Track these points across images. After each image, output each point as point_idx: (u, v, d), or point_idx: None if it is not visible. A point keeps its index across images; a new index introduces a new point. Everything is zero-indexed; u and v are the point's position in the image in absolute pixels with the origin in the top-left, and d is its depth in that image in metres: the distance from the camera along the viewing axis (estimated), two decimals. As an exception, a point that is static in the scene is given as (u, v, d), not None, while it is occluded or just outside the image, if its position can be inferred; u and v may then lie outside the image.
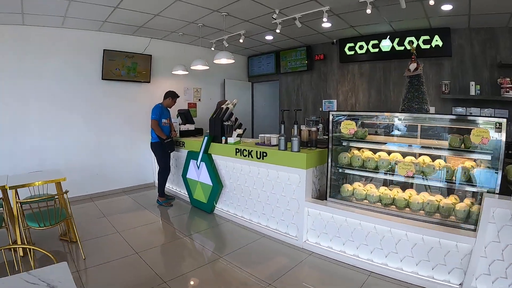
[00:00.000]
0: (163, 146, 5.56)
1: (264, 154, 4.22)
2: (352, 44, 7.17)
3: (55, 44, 5.86)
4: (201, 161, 5.12)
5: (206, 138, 5.00)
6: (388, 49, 6.65)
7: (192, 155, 5.44)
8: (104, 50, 6.40)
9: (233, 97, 8.15)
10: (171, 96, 5.74)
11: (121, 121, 6.83)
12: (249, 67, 9.44)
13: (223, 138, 4.83)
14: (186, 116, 6.61)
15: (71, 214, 3.67)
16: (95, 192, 6.49)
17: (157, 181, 5.93)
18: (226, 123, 4.79)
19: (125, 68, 6.66)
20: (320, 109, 8.00)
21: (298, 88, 8.47)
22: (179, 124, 6.39)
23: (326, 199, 3.80)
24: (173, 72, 6.88)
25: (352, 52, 7.21)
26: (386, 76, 6.92)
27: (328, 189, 3.78)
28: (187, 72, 6.84)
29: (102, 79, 6.46)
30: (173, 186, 6.64)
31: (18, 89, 5.52)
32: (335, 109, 7.64)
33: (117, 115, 6.78)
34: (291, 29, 6.08)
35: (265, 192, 4.31)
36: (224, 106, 5.01)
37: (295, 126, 4.04)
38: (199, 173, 5.26)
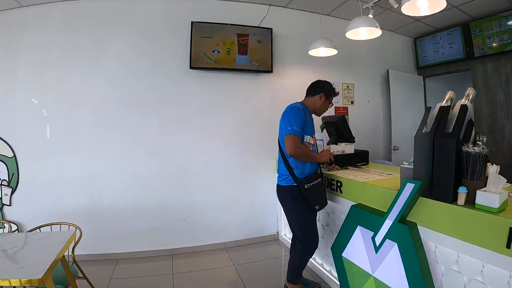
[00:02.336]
0: (303, 196, 2.80)
1: None
2: None
3: (118, 21, 4.11)
4: (387, 237, 2.21)
5: (408, 186, 2.07)
6: None
7: (362, 217, 2.52)
8: (192, 22, 4.18)
9: (401, 98, 5.71)
10: (325, 91, 2.99)
11: (224, 136, 4.48)
12: (417, 52, 6.28)
13: (461, 191, 1.87)
14: (339, 128, 3.85)
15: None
16: (180, 247, 4.27)
17: (290, 258, 3.13)
18: (468, 148, 1.91)
19: (227, 49, 4.32)
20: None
21: (508, 81, 5.12)
22: (328, 144, 3.78)
23: None
24: (311, 52, 4.04)
25: None
26: None
27: None
28: (336, 51, 3.97)
29: (191, 67, 4.22)
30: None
31: (65, 90, 3.96)
32: None
33: (218, 126, 4.45)
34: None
35: None
36: (446, 104, 2.23)
37: None
38: (377, 261, 2.28)
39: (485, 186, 1.83)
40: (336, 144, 3.67)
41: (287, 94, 4.24)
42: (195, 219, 4.30)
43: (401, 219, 2.13)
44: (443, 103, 2.26)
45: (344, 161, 3.54)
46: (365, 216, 2.50)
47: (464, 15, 5.18)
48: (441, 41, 5.82)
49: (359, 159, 3.75)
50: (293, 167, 2.81)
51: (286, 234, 4.51)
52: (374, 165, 3.85)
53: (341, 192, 3.00)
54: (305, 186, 2.75)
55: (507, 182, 1.87)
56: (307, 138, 2.86)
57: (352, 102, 5.48)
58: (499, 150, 5.19)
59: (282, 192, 2.93)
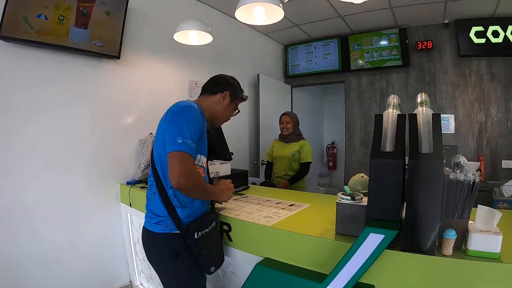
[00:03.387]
0: (192, 252, 1.75)
1: None
2: (481, 28, 4.43)
3: None
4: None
5: (373, 237, 1.35)
6: None
7: (278, 284, 1.64)
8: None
9: (270, 105, 5.33)
10: (232, 90, 2.06)
11: (46, 150, 2.73)
12: (287, 60, 5.98)
13: (450, 236, 1.31)
14: (211, 141, 2.82)
15: None
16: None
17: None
18: (456, 175, 1.35)
19: (59, 16, 2.66)
20: (425, 130, 4.66)
21: (383, 96, 5.17)
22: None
23: None
24: (178, 36, 3.07)
25: (483, 40, 4.44)
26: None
27: None
28: (210, 38, 3.09)
29: (0, 37, 2.40)
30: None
31: None
32: (452, 129, 4.70)
33: (36, 135, 2.67)
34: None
35: None
36: (393, 111, 1.78)
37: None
38: None
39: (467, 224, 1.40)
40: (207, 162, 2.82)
41: (139, 93, 3.37)
42: (7, 281, 2.52)
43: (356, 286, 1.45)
44: (391, 110, 1.75)
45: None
46: (283, 282, 1.64)
47: (344, 27, 5.05)
48: (315, 51, 5.63)
49: (238, 181, 2.95)
50: (175, 204, 1.73)
51: (143, 284, 3.17)
52: (256, 188, 3.17)
53: (229, 239, 2.00)
54: (195, 236, 1.71)
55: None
56: (201, 159, 1.84)
57: None
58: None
59: (156, 244, 1.79)
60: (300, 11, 4.44)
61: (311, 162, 3.78)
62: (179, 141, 1.61)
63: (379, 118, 1.67)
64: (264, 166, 4.29)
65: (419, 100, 1.78)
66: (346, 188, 1.71)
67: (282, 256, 1.74)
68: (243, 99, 2.18)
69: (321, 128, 7.51)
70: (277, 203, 2.35)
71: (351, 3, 2.57)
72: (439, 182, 1.35)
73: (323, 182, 7.05)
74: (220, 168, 2.80)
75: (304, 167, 3.75)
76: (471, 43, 4.50)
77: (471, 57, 4.58)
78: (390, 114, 1.71)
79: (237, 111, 2.15)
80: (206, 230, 1.78)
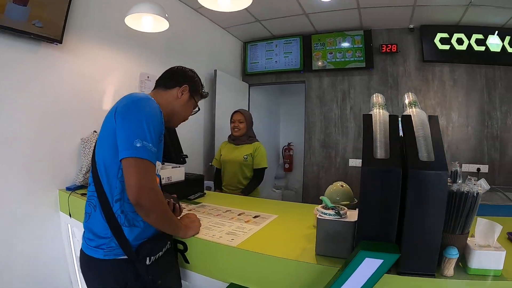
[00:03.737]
0: (143, 281, 1.37)
1: None
2: (445, 35, 4.45)
3: None
4: None
5: (368, 262, 1.07)
6: (498, 49, 4.32)
7: None
8: None
9: (226, 103, 4.87)
10: (192, 84, 1.70)
11: None
12: (246, 58, 5.69)
13: (452, 255, 1.11)
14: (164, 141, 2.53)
15: None
16: None
17: None
18: (460, 187, 1.15)
19: None
20: (387, 134, 4.59)
21: (345, 98, 5.01)
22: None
23: None
24: (130, 20, 2.62)
25: (447, 47, 4.46)
26: (490, 88, 4.45)
27: None
28: (167, 25, 2.68)
29: None
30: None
31: None
32: None
33: None
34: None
35: None
36: (378, 111, 1.49)
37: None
38: None
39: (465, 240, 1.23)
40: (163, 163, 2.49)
41: (83, 85, 2.84)
42: None
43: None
44: (377, 110, 1.51)
45: (174, 193, 2.15)
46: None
47: (308, 26, 4.85)
48: (276, 49, 5.39)
49: (193, 188, 2.61)
50: (121, 222, 1.36)
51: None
52: (214, 196, 2.76)
53: (186, 261, 1.62)
54: (147, 262, 1.36)
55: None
56: (158, 167, 1.51)
57: None
58: (332, 166, 5.02)
59: (97, 273, 1.41)
60: (264, 6, 4.17)
61: (266, 168, 3.37)
62: (138, 145, 1.26)
63: (368, 119, 1.40)
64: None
65: (407, 101, 1.56)
66: (326, 199, 1.45)
67: (251, 281, 1.42)
68: (204, 95, 1.83)
69: (277, 129, 7.29)
70: (239, 214, 2.03)
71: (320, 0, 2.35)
72: (443, 194, 1.15)
73: (279, 184, 6.85)
74: (173, 172, 2.45)
75: (258, 174, 3.33)
76: (435, 49, 4.49)
77: (434, 63, 4.56)
78: (378, 115, 1.45)
79: (197, 109, 1.80)
80: (160, 253, 1.41)
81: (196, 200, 2.46)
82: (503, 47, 4.29)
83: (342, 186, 1.75)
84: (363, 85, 4.89)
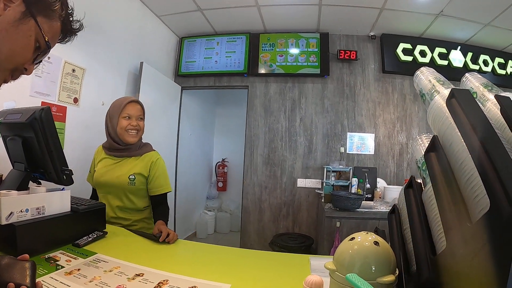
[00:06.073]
0: None
1: None
2: (408, 46, 4.19)
3: None
4: None
5: None
6: (460, 65, 4.17)
7: None
8: None
9: (153, 106, 3.87)
10: None
11: None
12: (181, 55, 4.82)
13: None
14: (31, 145, 1.49)
15: None
16: None
17: None
18: None
19: None
20: (342, 149, 4.19)
21: (294, 108, 4.37)
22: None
23: None
24: None
25: (409, 58, 4.19)
26: (451, 105, 3.92)
27: None
28: None
29: None
30: None
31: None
32: (372, 150, 4.24)
33: None
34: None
35: None
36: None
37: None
38: None
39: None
40: (26, 188, 1.49)
41: None
42: None
43: None
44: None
45: (50, 236, 1.32)
46: None
47: (257, 23, 4.24)
48: (217, 47, 4.63)
49: (85, 225, 1.49)
50: None
51: None
52: (119, 235, 1.65)
53: None
54: None
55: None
56: None
57: (76, 101, 2.91)
58: (278, 186, 4.30)
59: None
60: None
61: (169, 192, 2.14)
62: None
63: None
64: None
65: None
66: (360, 284, 0.67)
67: None
68: (66, 22, 0.88)
69: (211, 142, 6.46)
70: (159, 284, 1.07)
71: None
72: None
73: (211, 205, 5.99)
74: (50, 199, 1.34)
75: (162, 201, 2.08)
76: (396, 60, 4.17)
77: (395, 74, 4.21)
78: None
79: (46, 47, 0.80)
80: None
81: (87, 248, 1.38)
82: (465, 63, 4.08)
83: (376, 243, 0.89)
84: (316, 94, 4.31)
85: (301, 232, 4.13)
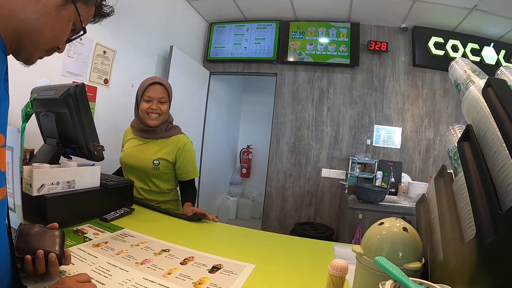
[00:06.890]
0: None
1: None
2: (440, 40, 4.03)
3: None
4: None
5: None
6: (493, 62, 3.95)
7: None
8: None
9: (182, 90, 3.94)
10: None
11: None
12: (210, 41, 4.84)
13: None
14: (65, 121, 1.51)
15: None
16: None
17: None
18: None
19: None
20: (368, 141, 4.17)
21: (322, 97, 4.37)
22: (31, 162, 1.40)
23: None
24: None
25: (441, 52, 4.02)
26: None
27: None
28: None
29: None
30: None
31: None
32: (398, 144, 4.17)
33: None
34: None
35: None
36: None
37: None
38: None
39: None
40: (57, 162, 1.53)
41: None
42: None
43: None
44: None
45: (79, 210, 1.39)
46: None
47: (288, 10, 4.22)
48: (247, 34, 4.63)
49: (113, 201, 1.59)
50: None
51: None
52: (145, 214, 1.73)
53: None
54: None
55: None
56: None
57: (106, 82, 2.98)
58: (302, 175, 4.33)
59: None
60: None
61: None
62: None
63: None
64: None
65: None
66: (391, 270, 0.69)
67: None
68: (103, 10, 0.93)
69: (236, 128, 6.49)
70: (184, 261, 1.11)
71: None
72: None
73: (234, 191, 6.05)
74: (81, 174, 1.42)
75: (191, 185, 2.11)
76: (427, 54, 4.05)
77: (425, 68, 4.10)
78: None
79: (82, 32, 0.85)
80: None
81: (114, 223, 1.46)
82: (498, 61, 3.96)
83: (405, 229, 0.90)
84: (345, 84, 4.28)
85: (322, 222, 4.17)
